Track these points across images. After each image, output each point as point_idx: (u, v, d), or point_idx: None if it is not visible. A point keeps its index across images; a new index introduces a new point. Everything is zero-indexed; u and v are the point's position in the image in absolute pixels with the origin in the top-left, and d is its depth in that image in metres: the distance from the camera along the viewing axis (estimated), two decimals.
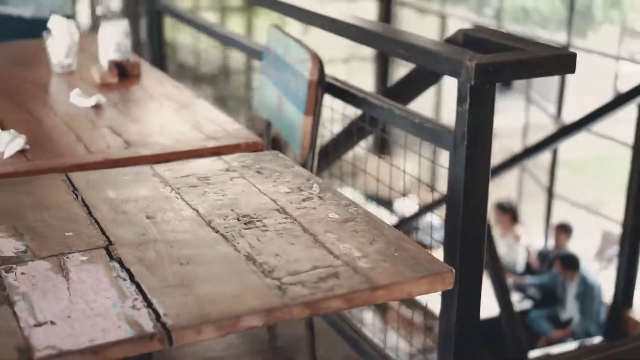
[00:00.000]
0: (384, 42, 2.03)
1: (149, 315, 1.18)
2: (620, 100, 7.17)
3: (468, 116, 1.81)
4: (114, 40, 2.40)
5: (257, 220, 1.48)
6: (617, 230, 9.17)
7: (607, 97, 13.32)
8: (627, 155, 8.06)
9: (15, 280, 1.27)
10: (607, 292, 8.19)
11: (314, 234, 1.43)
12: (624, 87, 13.46)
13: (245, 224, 1.47)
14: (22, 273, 1.30)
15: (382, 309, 5.52)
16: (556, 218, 9.15)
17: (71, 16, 4.19)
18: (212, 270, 1.31)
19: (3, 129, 1.93)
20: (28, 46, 2.84)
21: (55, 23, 2.47)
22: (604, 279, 8.39)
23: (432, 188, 2.33)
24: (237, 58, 3.09)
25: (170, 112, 2.17)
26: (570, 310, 7.48)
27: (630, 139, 7.95)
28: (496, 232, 8.20)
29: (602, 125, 7.38)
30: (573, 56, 1.88)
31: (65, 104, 2.18)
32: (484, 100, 1.81)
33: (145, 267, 1.31)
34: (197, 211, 1.53)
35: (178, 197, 1.59)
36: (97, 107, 2.16)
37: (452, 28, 8.83)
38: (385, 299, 1.28)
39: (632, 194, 8.13)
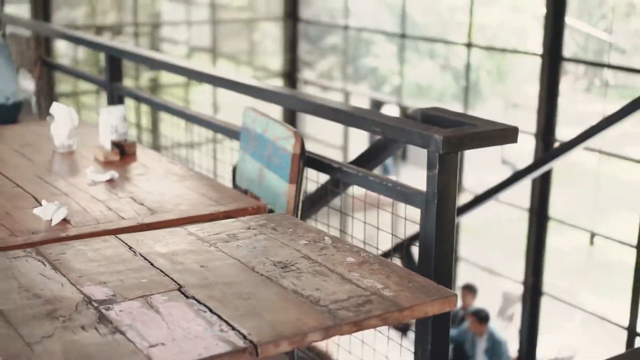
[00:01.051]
0: (364, 122, 2.45)
1: (236, 335, 1.53)
2: (517, 175, 7.83)
3: (437, 179, 2.23)
4: (113, 123, 2.74)
5: (290, 265, 1.85)
6: (516, 290, 9.80)
7: (496, 165, 14.14)
8: (524, 218, 8.72)
9: (117, 316, 1.60)
10: (512, 347, 8.74)
11: (340, 274, 1.80)
12: (509, 156, 14.33)
13: (281, 268, 1.84)
14: (120, 310, 1.63)
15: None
16: (461, 280, 9.70)
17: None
18: (270, 302, 1.67)
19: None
20: (22, 130, 3.14)
21: (57, 109, 2.79)
22: (508, 336, 8.96)
23: (406, 242, 2.73)
24: (198, 132, 3.43)
25: (175, 183, 2.52)
26: None
27: (526, 204, 8.63)
28: None
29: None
30: (515, 129, 2.34)
31: (83, 179, 2.51)
32: (449, 166, 2.24)
33: (218, 302, 1.66)
34: (238, 260, 1.88)
35: (218, 250, 1.94)
36: (110, 181, 2.49)
37: (355, 103, 9.44)
38: (410, 317, 1.66)
39: (530, 255, 8.78)
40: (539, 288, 8.84)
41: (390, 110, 11.54)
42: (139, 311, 1.62)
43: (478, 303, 9.16)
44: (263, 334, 1.53)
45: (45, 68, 4.43)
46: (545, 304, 8.86)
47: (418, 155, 10.35)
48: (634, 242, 7.60)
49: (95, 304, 1.65)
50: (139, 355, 1.46)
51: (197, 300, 1.67)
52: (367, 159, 2.77)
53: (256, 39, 12.01)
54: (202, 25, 11.49)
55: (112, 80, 3.82)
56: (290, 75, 11.41)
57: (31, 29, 5.00)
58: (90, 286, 1.73)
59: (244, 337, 1.52)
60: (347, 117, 2.53)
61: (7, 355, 1.45)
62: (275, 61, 11.68)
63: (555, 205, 8.79)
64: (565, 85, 13.75)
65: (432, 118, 2.47)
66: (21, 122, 4.18)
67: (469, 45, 9.25)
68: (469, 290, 9.11)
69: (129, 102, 4.40)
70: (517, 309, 9.92)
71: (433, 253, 2.26)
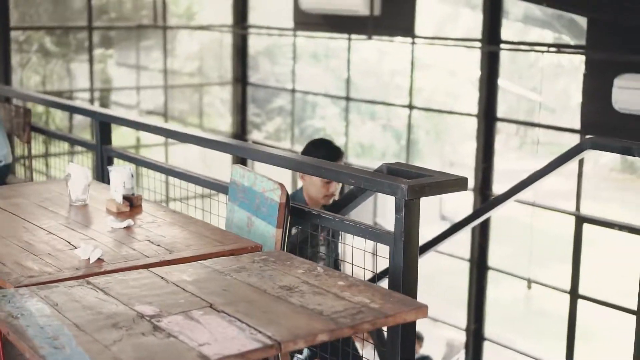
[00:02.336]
0: (341, 175, 2.96)
1: (263, 336, 2.00)
2: (456, 227, 8.39)
3: (404, 221, 2.74)
4: (122, 179, 3.20)
5: (294, 288, 2.33)
6: (459, 337, 10.32)
7: (436, 221, 14.78)
8: (466, 268, 9.30)
9: (167, 325, 2.06)
10: None
11: (335, 293, 2.29)
12: (448, 212, 14.99)
13: (287, 290, 2.32)
14: (169, 322, 2.08)
15: None
16: None
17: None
18: (284, 314, 2.14)
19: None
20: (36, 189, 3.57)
21: (73, 169, 3.24)
22: None
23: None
24: (179, 185, 3.87)
25: (181, 228, 2.98)
26: None
27: (467, 255, 9.22)
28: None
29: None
30: (465, 179, 2.87)
31: (103, 226, 2.96)
32: (413, 210, 2.76)
33: (244, 315, 2.13)
34: (252, 285, 2.36)
35: (233, 278, 2.41)
36: (127, 228, 2.94)
37: None
38: (392, 323, 2.15)
39: (472, 303, 9.34)
40: (481, 334, 9.39)
41: None
42: (183, 322, 2.08)
43: (424, 351, 9.65)
44: (284, 335, 2.00)
45: (35, 133, 4.85)
46: (487, 350, 9.41)
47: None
48: (567, 289, 8.23)
49: (148, 318, 2.10)
50: (192, 351, 1.92)
51: (227, 313, 2.14)
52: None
53: (206, 101, 12.52)
54: (154, 90, 11.98)
55: (102, 143, 4.27)
56: (240, 136, 11.91)
57: (23, 99, 5.42)
58: (139, 305, 2.19)
59: (269, 337, 1.99)
60: (327, 171, 3.04)
61: (92, 354, 1.90)
62: (225, 123, 12.20)
63: (494, 257, 9.40)
64: (500, 143, 14.53)
65: (396, 171, 2.99)
66: (8, 183, 4.59)
67: (409, 106, 9.89)
68: (416, 338, 9.60)
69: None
70: (461, 356, 10.43)
71: (401, 282, 2.76)
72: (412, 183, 2.73)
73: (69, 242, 2.77)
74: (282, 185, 3.08)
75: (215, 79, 12.23)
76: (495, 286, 10.06)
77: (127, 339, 1.98)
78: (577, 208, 8.29)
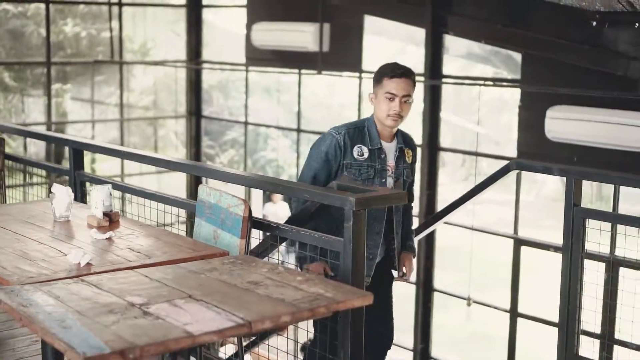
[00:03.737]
0: (297, 192, 3.39)
1: (236, 318, 2.41)
2: None
3: (352, 229, 3.18)
4: (102, 197, 3.59)
5: (260, 283, 2.75)
6: (407, 358, 10.74)
7: None
8: (412, 292, 9.76)
9: (155, 311, 2.46)
10: None
11: (294, 286, 2.71)
12: None
13: (254, 284, 2.73)
14: (156, 308, 2.48)
15: None
16: None
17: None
18: (253, 302, 2.56)
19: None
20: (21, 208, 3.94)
21: (57, 188, 3.63)
22: None
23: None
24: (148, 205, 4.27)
25: (157, 239, 3.38)
26: None
27: (413, 278, 9.68)
28: None
29: None
30: (404, 193, 3.33)
31: (87, 238, 3.34)
32: (360, 219, 3.20)
33: (219, 302, 2.53)
34: (224, 281, 2.77)
35: (207, 277, 2.82)
36: (109, 239, 3.34)
37: (255, 193, 10.42)
38: (343, 307, 2.58)
39: (419, 325, 9.79)
40: (427, 354, 9.85)
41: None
42: (168, 308, 2.49)
43: None
44: (253, 316, 2.42)
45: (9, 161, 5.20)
46: None
47: None
48: (507, 309, 8.74)
49: (138, 306, 2.50)
50: (178, 329, 2.33)
51: (205, 301, 2.55)
52: (299, 218, 3.70)
53: (161, 134, 12.90)
54: (110, 123, 12.33)
55: (75, 168, 4.65)
56: None
57: None
58: (130, 297, 2.59)
59: (242, 318, 2.40)
60: (285, 188, 3.48)
61: (95, 332, 2.29)
62: (180, 155, 12.57)
63: (439, 281, 9.89)
64: (447, 175, 15.10)
65: (345, 187, 3.44)
66: None
67: None
68: None
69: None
70: None
71: (350, 279, 3.19)
72: (359, 196, 3.18)
73: (59, 250, 3.16)
74: (245, 201, 3.50)
75: (170, 112, 12.62)
76: (440, 309, 10.54)
77: (123, 321, 2.37)
78: (515, 231, 8.83)
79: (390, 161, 3.99)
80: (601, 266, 5.23)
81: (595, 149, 7.80)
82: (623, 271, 6.35)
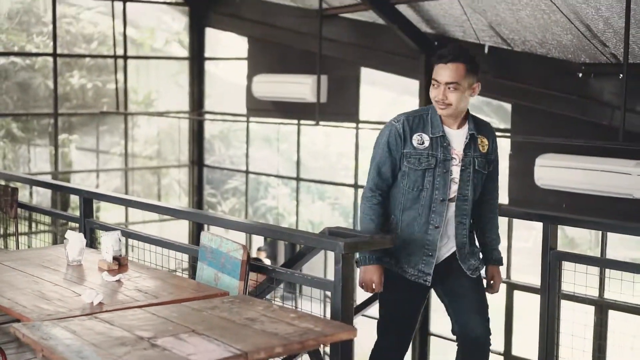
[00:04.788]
0: (293, 237, 3.69)
1: (235, 349, 2.69)
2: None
3: (342, 271, 3.47)
4: (111, 243, 3.89)
5: (256, 319, 3.04)
6: None
7: None
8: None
9: (161, 344, 2.74)
10: None
11: (287, 322, 3.00)
12: None
13: (251, 320, 3.02)
14: (162, 341, 2.77)
15: None
16: None
17: None
18: (249, 336, 2.85)
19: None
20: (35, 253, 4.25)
21: (71, 235, 3.93)
22: None
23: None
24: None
25: (162, 280, 3.68)
26: None
27: None
28: None
29: None
30: (391, 238, 3.62)
31: (98, 280, 3.64)
32: (349, 262, 3.49)
33: (219, 336, 2.82)
34: (224, 318, 3.06)
35: (209, 314, 3.11)
36: (119, 281, 3.63)
37: (255, 240, 10.69)
38: (331, 340, 2.87)
39: None
40: None
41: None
42: (174, 341, 2.78)
43: None
44: (249, 348, 2.71)
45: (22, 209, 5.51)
46: None
47: None
48: (501, 351, 8.96)
49: (146, 339, 2.79)
50: (183, 359, 2.61)
51: (206, 335, 2.84)
52: (295, 261, 4.00)
53: (164, 183, 13.23)
54: (114, 172, 12.67)
55: (86, 216, 4.96)
56: None
57: (7, 180, 6.09)
58: (138, 331, 2.88)
59: (239, 349, 2.69)
60: (283, 234, 3.78)
61: None
62: (182, 203, 12.88)
63: (434, 326, 10.12)
64: None
65: (336, 233, 3.74)
66: None
67: (354, 186, 10.70)
68: None
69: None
70: None
71: (340, 317, 3.48)
72: (348, 241, 3.48)
73: (73, 291, 3.45)
74: (244, 246, 3.80)
75: (173, 161, 12.97)
76: (436, 354, 10.74)
77: (133, 352, 2.66)
78: (508, 276, 9.09)
79: (457, 149, 3.75)
80: (587, 308, 5.49)
81: (582, 195, 8.09)
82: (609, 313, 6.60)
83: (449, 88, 3.68)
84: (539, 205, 8.39)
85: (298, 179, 11.54)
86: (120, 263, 3.91)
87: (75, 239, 3.94)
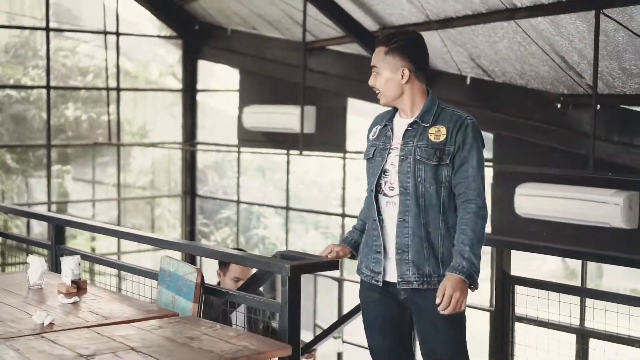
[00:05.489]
0: (247, 261, 3.82)
1: None
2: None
3: (288, 293, 3.59)
4: (71, 267, 4.01)
5: (198, 338, 3.15)
6: None
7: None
8: None
9: None
10: None
11: (226, 340, 3.12)
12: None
13: (192, 339, 3.14)
14: (100, 358, 2.88)
15: None
16: None
17: None
18: (185, 353, 2.96)
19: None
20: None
21: (32, 260, 4.06)
22: None
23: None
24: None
25: (118, 303, 3.80)
26: None
27: None
28: None
29: None
30: (336, 262, 3.74)
31: (56, 302, 3.76)
32: (294, 284, 3.60)
33: (156, 353, 2.94)
34: (167, 337, 3.17)
35: (152, 333, 3.23)
36: (75, 303, 3.75)
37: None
38: (265, 357, 2.98)
39: None
40: None
41: None
42: (112, 359, 2.89)
43: None
44: None
45: None
46: None
47: None
48: None
49: (85, 356, 2.91)
50: None
51: (143, 353, 2.95)
52: (250, 284, 4.12)
53: (157, 213, 13.37)
54: (108, 202, 12.81)
55: (57, 243, 5.09)
56: None
57: None
58: (79, 349, 3.00)
59: None
60: (233, 257, 3.92)
61: None
62: (175, 233, 13.02)
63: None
64: None
65: (287, 256, 3.86)
66: None
67: (342, 215, 10.81)
68: None
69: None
70: None
71: (286, 336, 3.58)
72: (294, 264, 3.60)
73: (27, 312, 3.58)
74: (198, 270, 3.92)
75: (166, 191, 13.12)
76: None
77: None
78: (491, 305, 9.15)
79: (399, 138, 3.48)
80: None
81: (562, 224, 8.18)
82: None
83: (373, 73, 3.53)
84: (520, 233, 8.48)
85: (288, 208, 11.66)
86: (79, 287, 4.03)
87: (36, 263, 4.06)
